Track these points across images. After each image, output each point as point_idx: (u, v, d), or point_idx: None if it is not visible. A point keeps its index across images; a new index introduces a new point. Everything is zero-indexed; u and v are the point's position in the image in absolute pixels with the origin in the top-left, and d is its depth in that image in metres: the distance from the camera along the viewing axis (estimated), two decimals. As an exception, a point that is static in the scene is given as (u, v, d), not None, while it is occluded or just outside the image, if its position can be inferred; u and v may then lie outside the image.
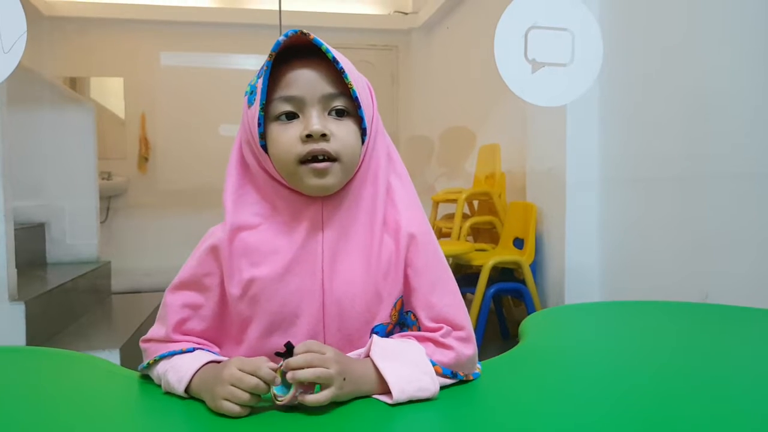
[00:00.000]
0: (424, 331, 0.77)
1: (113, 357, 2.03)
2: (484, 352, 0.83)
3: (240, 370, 0.66)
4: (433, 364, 0.73)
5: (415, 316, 0.78)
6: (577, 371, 0.86)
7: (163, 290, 0.82)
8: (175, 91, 4.70)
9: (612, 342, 1.06)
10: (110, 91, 4.73)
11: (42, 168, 3.00)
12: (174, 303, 0.78)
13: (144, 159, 4.70)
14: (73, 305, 2.55)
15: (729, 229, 1.85)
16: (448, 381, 0.75)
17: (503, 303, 3.02)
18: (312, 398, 0.65)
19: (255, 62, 4.86)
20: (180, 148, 4.70)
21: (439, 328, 0.75)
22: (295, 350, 0.67)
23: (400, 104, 5.06)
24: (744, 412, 0.69)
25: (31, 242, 2.83)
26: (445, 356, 0.74)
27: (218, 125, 4.75)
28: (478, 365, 0.80)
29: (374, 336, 0.74)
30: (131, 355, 2.11)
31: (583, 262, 2.48)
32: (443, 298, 0.77)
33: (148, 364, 0.79)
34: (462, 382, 0.77)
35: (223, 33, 4.77)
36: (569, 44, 1.57)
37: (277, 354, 0.69)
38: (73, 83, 4.66)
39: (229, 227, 0.76)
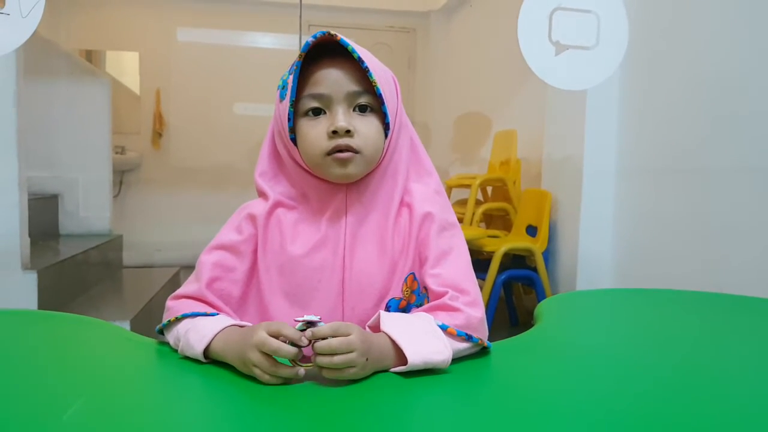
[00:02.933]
0: (433, 299, 0.79)
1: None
2: (492, 339, 0.83)
3: (266, 332, 0.67)
4: (445, 328, 0.74)
5: (425, 289, 0.81)
6: (591, 355, 0.85)
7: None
8: (191, 67, 4.67)
9: (628, 328, 1.06)
10: (126, 66, 4.71)
11: (56, 140, 3.00)
12: (208, 261, 0.82)
13: (158, 135, 4.70)
14: (84, 277, 2.57)
15: (742, 221, 1.83)
16: (464, 345, 0.76)
17: (513, 291, 3.01)
18: (332, 375, 0.66)
19: (272, 41, 4.83)
20: (194, 126, 4.69)
21: (446, 293, 0.77)
22: (322, 330, 0.66)
23: (417, 88, 5.01)
24: (749, 403, 0.69)
25: (44, 213, 2.85)
26: (455, 319, 0.76)
27: (233, 104, 4.73)
28: (488, 345, 0.79)
29: (381, 311, 0.76)
30: (141, 328, 2.12)
31: (596, 251, 2.46)
32: (449, 269, 0.80)
33: (169, 322, 0.80)
34: (478, 347, 0.78)
35: (241, 10, 4.73)
36: (594, 27, 1.54)
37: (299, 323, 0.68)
38: (89, 56, 4.65)
39: (272, 201, 0.83)
